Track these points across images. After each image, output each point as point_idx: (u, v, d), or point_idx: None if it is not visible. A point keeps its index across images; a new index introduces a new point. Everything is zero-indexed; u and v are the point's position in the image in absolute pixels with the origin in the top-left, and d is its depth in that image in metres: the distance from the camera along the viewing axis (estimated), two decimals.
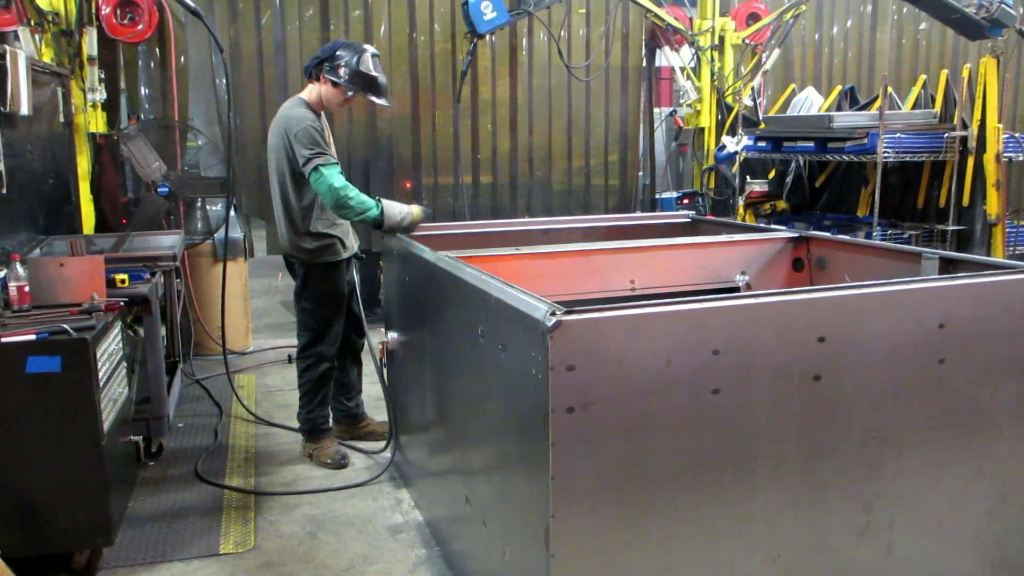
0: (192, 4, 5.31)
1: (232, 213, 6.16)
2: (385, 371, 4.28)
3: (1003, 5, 5.96)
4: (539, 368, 2.24)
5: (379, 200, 4.17)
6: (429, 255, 3.40)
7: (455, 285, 3.02)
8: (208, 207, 6.65)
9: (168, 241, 5.26)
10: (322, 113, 4.46)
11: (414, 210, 4.21)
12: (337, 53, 4.32)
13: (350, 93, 4.36)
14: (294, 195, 4.38)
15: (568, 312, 2.22)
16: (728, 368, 2.41)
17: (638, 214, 7.40)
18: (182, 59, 6.77)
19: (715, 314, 2.40)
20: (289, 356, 6.40)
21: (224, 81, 6.47)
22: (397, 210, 4.16)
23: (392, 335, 4.06)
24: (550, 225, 4.56)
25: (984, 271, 2.90)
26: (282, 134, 4.30)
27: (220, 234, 6.24)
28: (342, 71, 4.29)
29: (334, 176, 4.13)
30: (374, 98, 4.39)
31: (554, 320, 2.18)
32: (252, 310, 7.35)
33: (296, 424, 4.80)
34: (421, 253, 3.50)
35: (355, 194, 4.15)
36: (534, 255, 3.60)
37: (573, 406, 2.24)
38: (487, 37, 7.32)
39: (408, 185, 7.85)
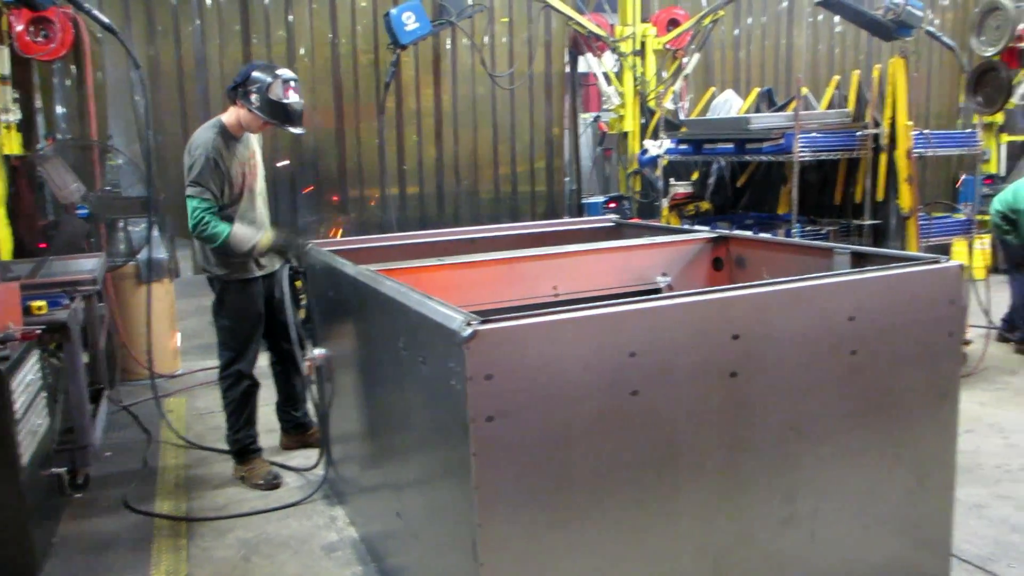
0: (106, 20, 5.17)
1: (155, 233, 6.03)
2: (314, 387, 4.24)
3: (908, 7, 6.14)
4: (458, 379, 2.25)
5: (230, 230, 4.28)
6: (350, 269, 3.38)
7: (376, 298, 3.00)
8: (130, 228, 6.50)
9: (88, 264, 5.13)
10: (243, 136, 4.43)
11: (262, 238, 4.38)
12: (252, 76, 4.28)
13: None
14: None
15: (484, 321, 2.23)
16: (646, 369, 2.45)
17: (563, 220, 7.44)
18: (99, 76, 6.61)
19: (630, 317, 2.44)
20: None
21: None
22: (243, 238, 4.32)
23: (318, 351, 4.02)
24: (476, 234, 4.57)
25: (891, 264, 2.99)
26: (185, 154, 4.34)
27: (144, 255, 6.11)
28: (253, 98, 4.26)
29: (194, 209, 4.23)
30: (287, 127, 4.37)
31: (470, 330, 2.20)
32: (182, 331, 7.20)
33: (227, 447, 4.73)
34: (342, 268, 3.48)
35: (210, 225, 4.23)
36: (457, 265, 3.60)
37: (493, 415, 2.25)
38: (410, 47, 7.31)
39: (336, 199, 7.79)
